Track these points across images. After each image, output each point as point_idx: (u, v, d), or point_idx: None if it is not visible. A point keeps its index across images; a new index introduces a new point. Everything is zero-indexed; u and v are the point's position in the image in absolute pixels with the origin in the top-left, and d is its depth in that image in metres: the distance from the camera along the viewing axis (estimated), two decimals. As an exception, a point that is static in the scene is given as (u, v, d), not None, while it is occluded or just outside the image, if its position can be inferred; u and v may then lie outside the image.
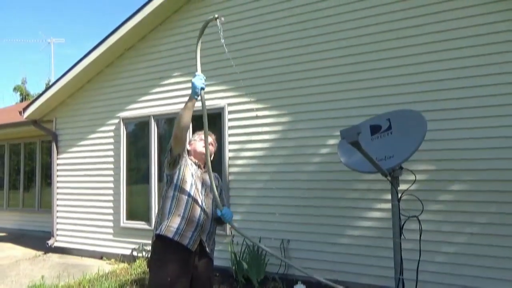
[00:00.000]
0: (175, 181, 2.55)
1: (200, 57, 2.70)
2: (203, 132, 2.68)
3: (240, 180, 5.24)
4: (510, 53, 3.87)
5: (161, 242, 2.50)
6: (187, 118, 2.44)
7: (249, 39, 5.25)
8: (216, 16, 2.50)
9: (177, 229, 2.45)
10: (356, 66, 4.57)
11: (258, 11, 5.23)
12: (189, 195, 2.52)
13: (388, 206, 3.59)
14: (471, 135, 3.98)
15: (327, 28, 4.76)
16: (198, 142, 2.77)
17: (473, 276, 3.90)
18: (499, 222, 3.83)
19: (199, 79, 2.44)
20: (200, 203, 2.54)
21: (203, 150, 2.68)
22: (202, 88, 2.45)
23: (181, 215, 2.48)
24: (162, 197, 2.62)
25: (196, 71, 2.55)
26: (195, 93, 2.43)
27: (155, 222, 2.64)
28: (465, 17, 4.08)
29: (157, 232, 2.50)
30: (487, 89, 3.94)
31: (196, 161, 2.72)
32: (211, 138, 2.77)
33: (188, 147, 2.78)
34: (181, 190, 2.53)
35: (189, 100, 2.44)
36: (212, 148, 2.77)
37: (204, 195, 2.61)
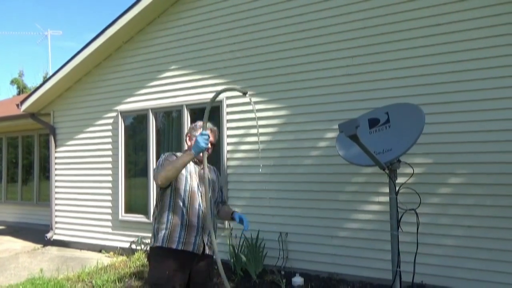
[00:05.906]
0: (170, 188, 2.50)
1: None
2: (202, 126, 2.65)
3: (238, 173, 5.25)
4: (510, 47, 3.86)
5: (162, 250, 2.45)
6: (178, 172, 2.38)
7: (248, 31, 5.23)
8: (246, 92, 2.49)
9: (179, 238, 2.43)
10: (354, 59, 4.55)
11: (257, 3, 5.19)
12: (185, 199, 2.48)
13: (386, 199, 3.60)
14: (469, 128, 3.99)
15: (326, 21, 4.74)
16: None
17: (471, 268, 3.92)
18: (496, 215, 3.85)
19: (204, 139, 2.34)
20: (198, 204, 2.51)
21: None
22: (205, 149, 2.38)
23: (179, 223, 2.45)
24: (158, 201, 2.56)
25: (203, 129, 2.43)
26: (196, 152, 2.36)
27: (153, 228, 2.56)
28: (465, 10, 4.06)
29: (159, 244, 2.45)
30: (484, 82, 3.93)
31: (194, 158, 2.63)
32: (212, 135, 2.62)
33: (188, 142, 2.71)
34: (176, 195, 2.48)
35: (187, 156, 2.37)
36: (212, 141, 2.67)
37: (202, 192, 2.56)
